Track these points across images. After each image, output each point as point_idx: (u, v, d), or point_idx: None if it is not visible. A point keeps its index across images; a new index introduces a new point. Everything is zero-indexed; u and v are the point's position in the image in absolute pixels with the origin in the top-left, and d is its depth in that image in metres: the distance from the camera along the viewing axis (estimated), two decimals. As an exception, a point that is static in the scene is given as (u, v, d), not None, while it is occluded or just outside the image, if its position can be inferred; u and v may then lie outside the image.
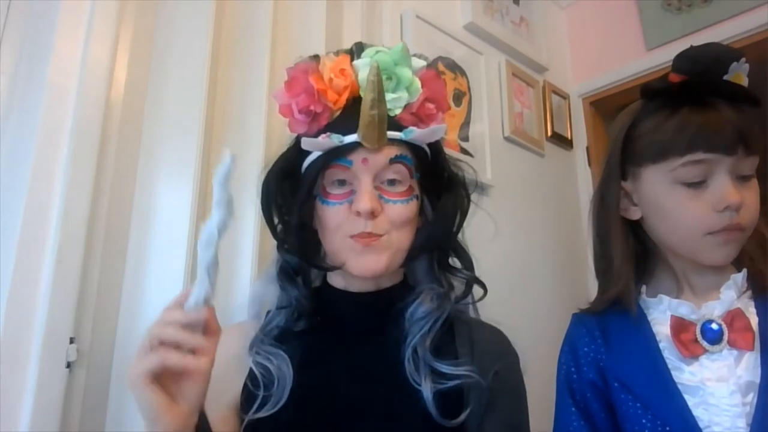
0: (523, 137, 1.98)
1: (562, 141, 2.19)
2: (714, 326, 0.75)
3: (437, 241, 0.80)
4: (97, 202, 1.05)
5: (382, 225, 0.73)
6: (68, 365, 0.95)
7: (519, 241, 1.80)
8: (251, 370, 0.75)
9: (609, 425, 0.79)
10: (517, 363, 0.80)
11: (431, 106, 0.78)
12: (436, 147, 0.81)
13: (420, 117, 0.77)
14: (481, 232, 0.87)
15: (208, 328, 0.63)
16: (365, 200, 0.71)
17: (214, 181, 0.65)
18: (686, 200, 0.77)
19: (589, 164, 2.22)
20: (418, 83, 0.77)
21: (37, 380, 0.90)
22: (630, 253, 0.85)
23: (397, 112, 0.76)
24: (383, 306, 0.78)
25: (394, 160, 0.74)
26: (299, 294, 0.79)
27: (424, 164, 0.79)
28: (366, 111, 0.71)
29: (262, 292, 0.85)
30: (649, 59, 2.08)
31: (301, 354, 0.75)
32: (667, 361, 0.77)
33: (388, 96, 0.74)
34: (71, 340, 0.96)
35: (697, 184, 0.76)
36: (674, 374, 0.76)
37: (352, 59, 0.77)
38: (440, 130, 0.77)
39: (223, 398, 0.76)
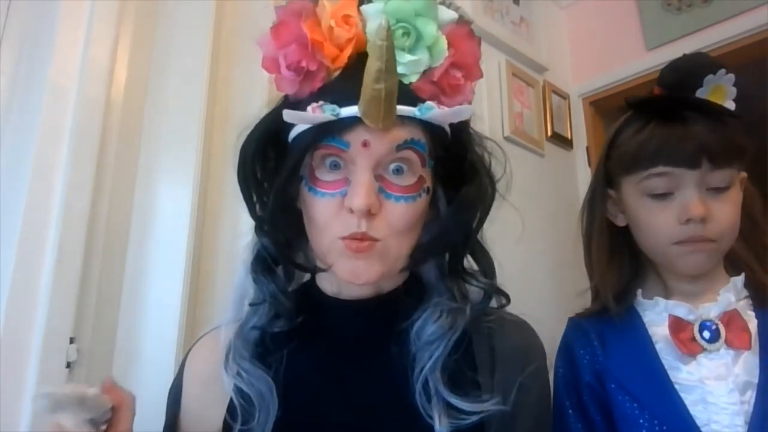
0: (523, 137, 1.98)
1: (562, 141, 2.19)
2: (710, 328, 0.76)
3: (450, 242, 0.65)
4: (97, 202, 1.05)
5: (380, 227, 0.58)
6: (68, 365, 0.95)
7: (518, 240, 1.80)
8: (229, 409, 0.62)
9: (606, 427, 0.80)
10: (543, 365, 0.68)
11: (458, 74, 0.60)
12: (459, 124, 0.64)
13: (442, 88, 0.60)
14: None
15: (117, 403, 0.56)
16: (360, 196, 0.56)
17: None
18: (654, 211, 0.80)
19: (589, 164, 2.22)
20: (444, 43, 0.59)
21: (37, 380, 0.90)
22: (616, 259, 0.87)
23: (413, 79, 0.58)
24: (384, 317, 0.64)
25: (402, 147, 0.58)
26: (276, 290, 0.64)
27: (440, 148, 0.62)
28: (369, 84, 0.54)
29: (243, 286, 0.69)
30: (649, 59, 2.08)
31: (285, 373, 0.62)
32: (664, 361, 0.78)
33: (404, 58, 0.57)
34: (71, 340, 0.96)
35: (663, 196, 0.79)
36: (671, 374, 0.77)
37: (360, 2, 0.59)
38: (466, 111, 0.60)
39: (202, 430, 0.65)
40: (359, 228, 0.57)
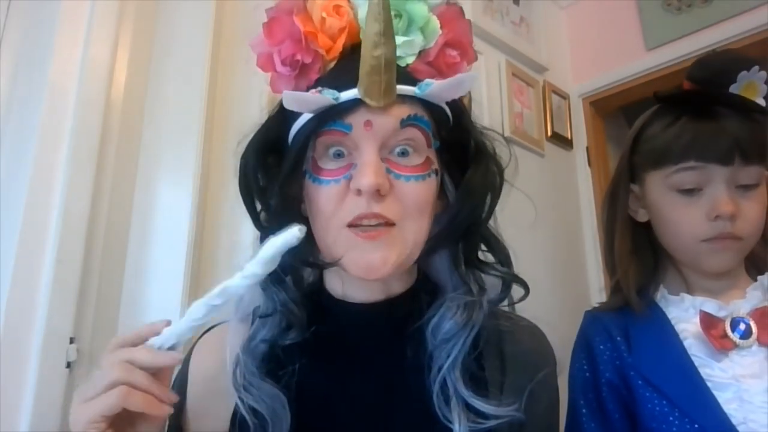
0: (523, 137, 1.98)
1: (562, 141, 2.19)
2: (742, 324, 0.76)
3: (463, 227, 0.62)
4: (97, 202, 1.05)
5: (392, 207, 0.55)
6: (68, 365, 0.95)
7: (518, 240, 1.80)
8: (238, 412, 0.59)
9: (624, 425, 0.79)
10: (553, 371, 0.66)
11: (453, 53, 0.61)
12: (458, 108, 0.63)
13: (438, 68, 0.60)
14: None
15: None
16: (369, 174, 0.53)
17: (266, 257, 0.52)
18: (681, 207, 0.79)
19: (589, 164, 2.22)
20: (435, 23, 0.59)
21: (37, 380, 0.90)
22: (636, 254, 0.86)
23: (409, 60, 0.58)
24: (397, 320, 0.62)
25: (406, 122, 0.56)
26: (287, 299, 0.62)
27: (444, 130, 0.61)
28: (368, 51, 0.53)
29: (252, 295, 0.66)
30: (649, 59, 2.07)
31: (297, 385, 0.60)
32: (694, 358, 0.76)
33: (398, 39, 0.56)
34: (71, 340, 0.96)
35: (692, 192, 0.78)
36: (702, 371, 0.75)
37: None
38: (468, 80, 0.58)
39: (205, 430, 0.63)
40: (370, 209, 0.54)
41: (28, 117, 1.01)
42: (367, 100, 0.54)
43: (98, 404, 0.49)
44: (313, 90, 0.55)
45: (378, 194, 0.54)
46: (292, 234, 0.51)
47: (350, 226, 0.56)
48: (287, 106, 0.56)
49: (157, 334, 0.52)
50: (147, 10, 1.22)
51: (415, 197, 0.57)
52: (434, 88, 0.56)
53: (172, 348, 0.52)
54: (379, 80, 0.53)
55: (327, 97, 0.54)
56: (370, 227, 0.55)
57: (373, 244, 0.55)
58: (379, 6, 0.52)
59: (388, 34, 0.53)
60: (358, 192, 0.54)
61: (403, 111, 0.56)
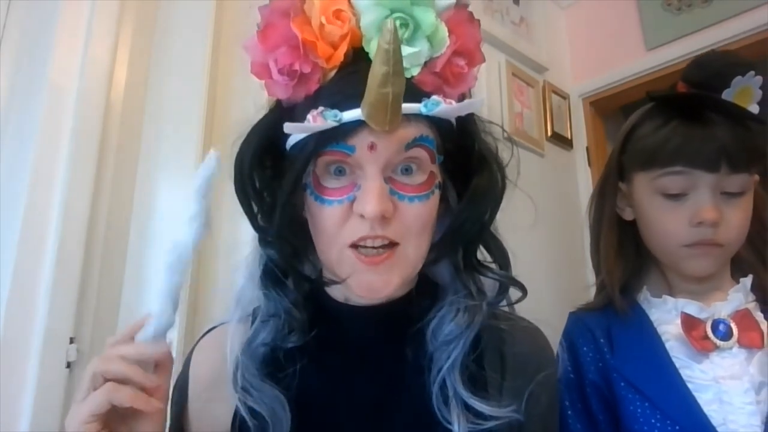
0: (523, 137, 1.98)
1: (562, 141, 2.19)
2: (722, 325, 0.76)
3: (465, 236, 0.62)
4: (97, 202, 1.06)
5: (396, 228, 0.55)
6: (68, 365, 0.95)
7: (518, 241, 1.80)
8: (239, 413, 0.59)
9: (609, 426, 0.79)
10: (553, 373, 0.65)
11: (462, 62, 0.58)
12: (465, 115, 0.61)
13: (445, 78, 0.57)
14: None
15: (160, 361, 0.55)
16: (373, 202, 0.52)
17: (194, 188, 0.53)
18: (666, 210, 0.79)
19: (589, 164, 2.22)
20: (444, 31, 0.56)
21: (37, 380, 0.90)
22: (622, 252, 0.86)
23: (415, 72, 0.55)
24: (398, 322, 0.62)
25: (411, 145, 0.55)
26: (289, 303, 0.61)
27: (448, 141, 0.60)
28: (375, 87, 0.50)
29: (245, 289, 0.66)
30: (649, 59, 2.08)
31: (297, 386, 0.60)
32: (675, 360, 0.77)
33: (404, 50, 0.52)
34: (71, 340, 0.96)
35: (677, 196, 0.78)
36: (683, 372, 0.76)
37: None
38: (476, 104, 0.58)
39: None
40: (373, 231, 0.54)
41: (28, 117, 1.02)
42: (372, 125, 0.52)
43: (87, 404, 0.49)
44: (314, 112, 0.53)
45: (383, 218, 0.53)
46: (209, 163, 0.54)
47: (353, 246, 0.55)
48: (288, 131, 0.55)
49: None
50: (147, 10, 1.22)
51: (418, 217, 0.56)
52: (441, 110, 0.54)
53: (164, 336, 0.54)
54: (384, 111, 0.51)
55: (328, 121, 0.52)
56: (374, 250, 0.55)
57: (376, 268, 0.55)
58: (389, 52, 0.49)
59: (397, 72, 0.50)
60: (362, 215, 0.54)
61: (409, 133, 0.54)
